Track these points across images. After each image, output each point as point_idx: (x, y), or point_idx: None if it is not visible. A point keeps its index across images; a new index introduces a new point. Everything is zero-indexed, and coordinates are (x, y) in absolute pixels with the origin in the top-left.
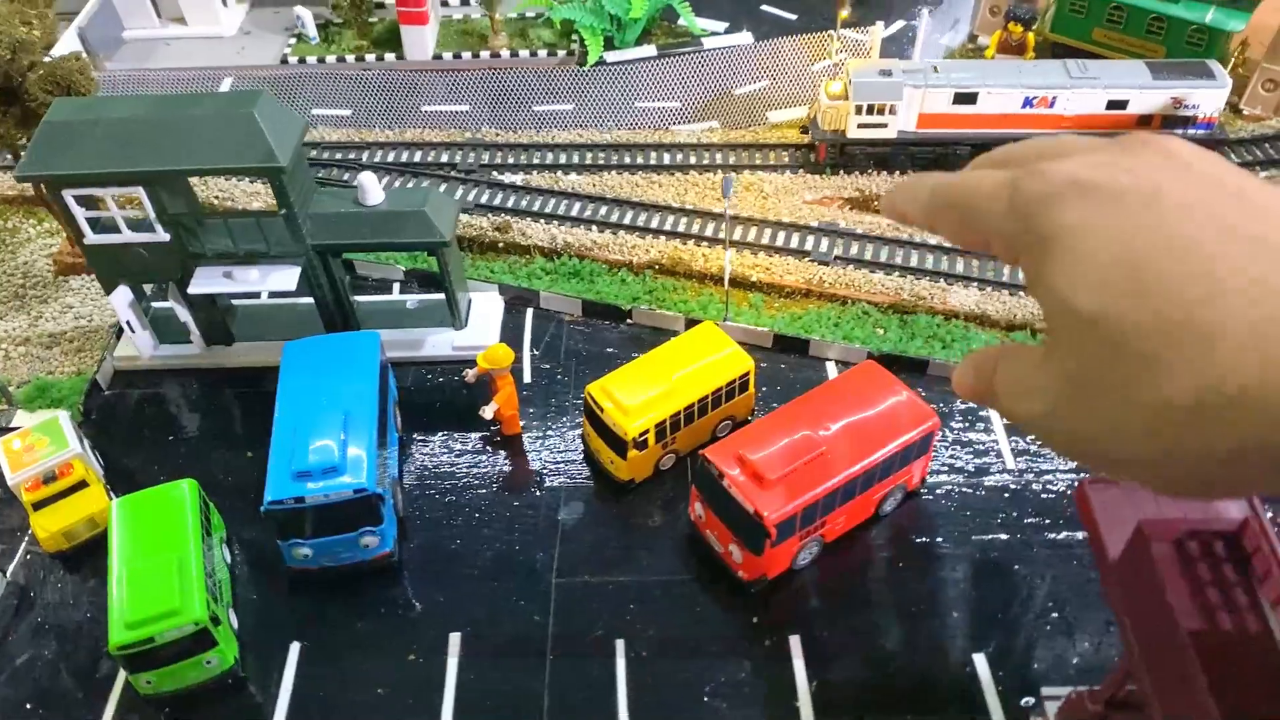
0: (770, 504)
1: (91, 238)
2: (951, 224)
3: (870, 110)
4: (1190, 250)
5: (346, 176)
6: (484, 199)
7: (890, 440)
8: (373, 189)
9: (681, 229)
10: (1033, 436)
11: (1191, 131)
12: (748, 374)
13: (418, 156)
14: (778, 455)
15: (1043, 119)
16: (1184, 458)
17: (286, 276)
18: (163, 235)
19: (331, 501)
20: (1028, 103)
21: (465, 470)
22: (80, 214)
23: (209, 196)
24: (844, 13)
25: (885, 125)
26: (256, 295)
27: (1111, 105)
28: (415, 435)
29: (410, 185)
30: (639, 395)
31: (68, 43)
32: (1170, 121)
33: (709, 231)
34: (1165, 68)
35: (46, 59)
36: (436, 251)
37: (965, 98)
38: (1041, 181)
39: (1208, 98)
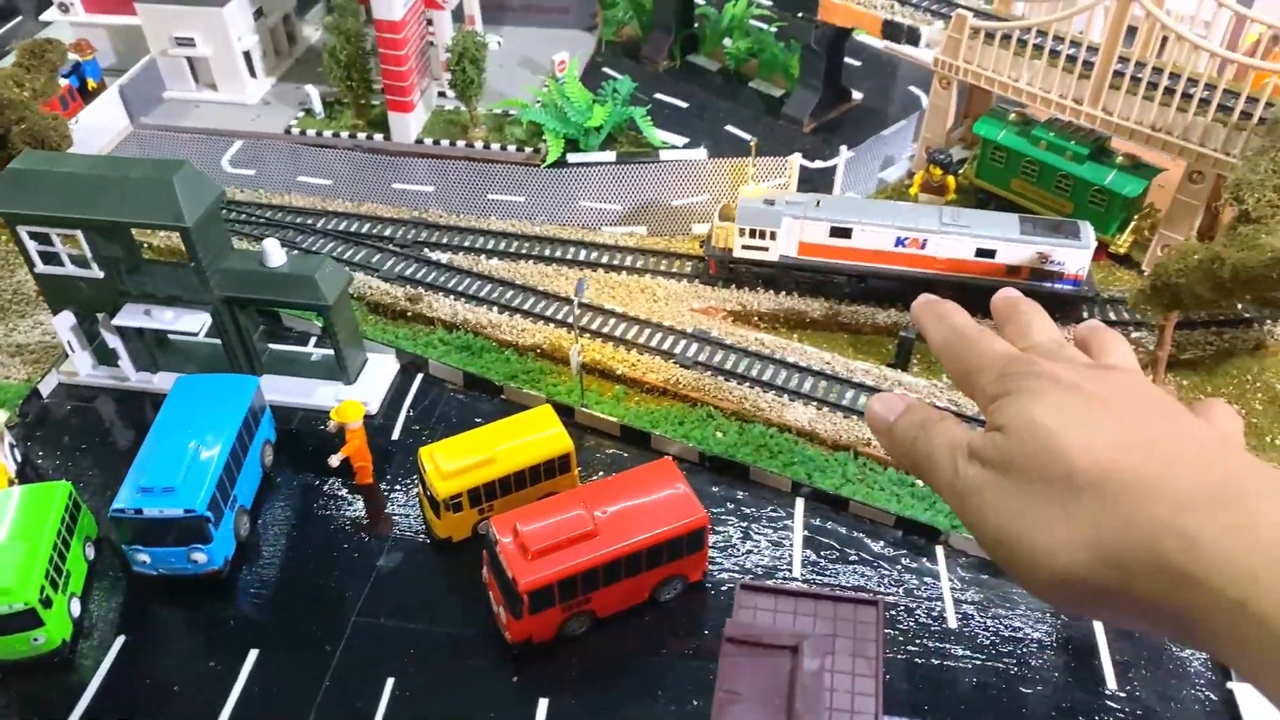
0: (529, 573)
1: (40, 268)
2: (953, 368)
3: (752, 234)
4: (1127, 435)
5: (300, 239)
6: (408, 271)
7: (656, 528)
8: (274, 253)
9: (558, 316)
10: (955, 513)
11: (1058, 286)
12: (568, 455)
13: (366, 228)
14: (546, 530)
15: (914, 258)
16: (1093, 583)
17: (194, 320)
18: (97, 273)
19: (165, 517)
20: (900, 242)
21: (315, 509)
22: (32, 247)
23: (166, 242)
24: (753, 141)
25: (766, 249)
26: (190, 332)
27: (980, 253)
28: (285, 471)
29: (322, 251)
30: (458, 461)
31: (109, 99)
32: (1038, 274)
33: (595, 325)
34: (1036, 224)
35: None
36: (323, 313)
37: (841, 232)
38: (1028, 366)
39: (1072, 256)
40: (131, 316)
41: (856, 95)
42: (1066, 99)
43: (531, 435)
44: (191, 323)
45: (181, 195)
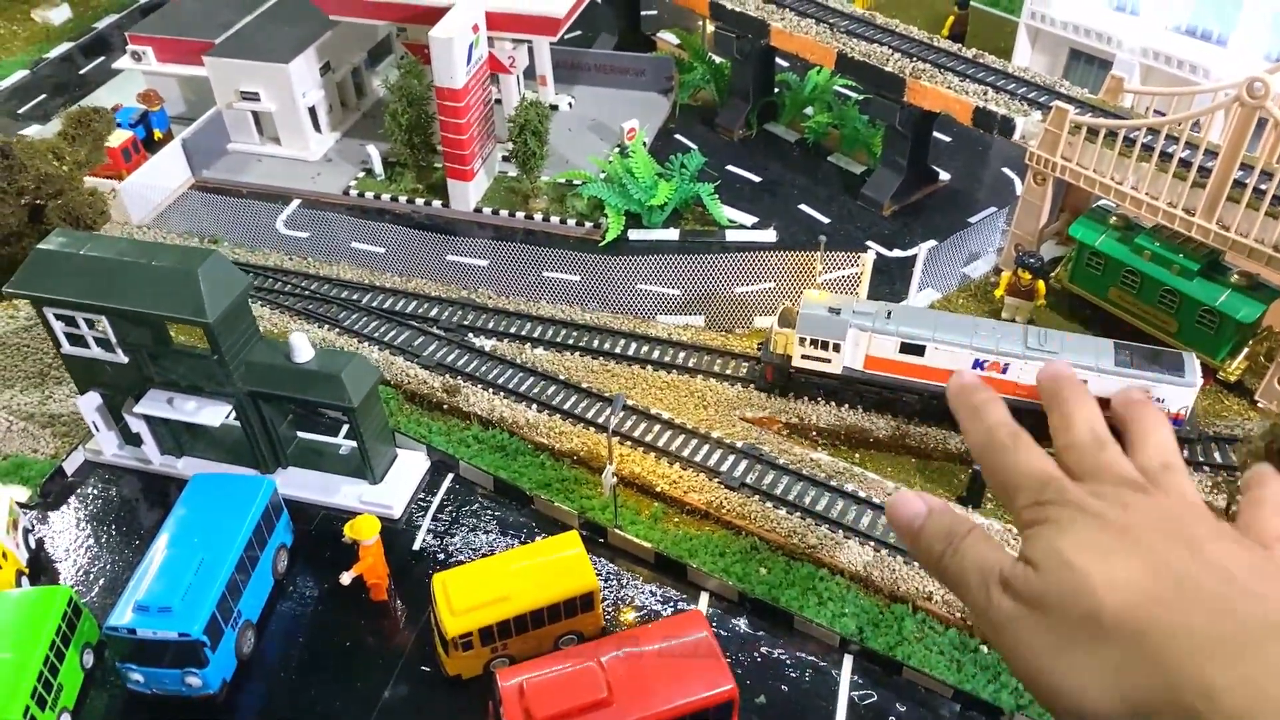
0: None
1: (66, 349)
2: (988, 477)
3: (814, 344)
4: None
5: (343, 315)
6: (449, 358)
7: (680, 699)
8: (302, 348)
9: (598, 420)
10: (986, 638)
11: None
12: (591, 593)
13: (411, 306)
14: (555, 692)
15: (994, 382)
16: None
17: (216, 412)
18: (121, 358)
19: (159, 639)
20: (979, 364)
21: (326, 624)
22: (59, 328)
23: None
24: (821, 239)
25: (829, 360)
26: (210, 425)
27: None
28: (299, 578)
29: (364, 330)
30: (471, 597)
31: (171, 152)
32: None
33: (638, 432)
34: (1134, 354)
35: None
36: (348, 414)
37: (913, 348)
38: (1060, 494)
39: (1173, 393)
40: (154, 404)
41: (944, 176)
42: (1176, 208)
43: (554, 568)
44: (213, 415)
45: (205, 288)
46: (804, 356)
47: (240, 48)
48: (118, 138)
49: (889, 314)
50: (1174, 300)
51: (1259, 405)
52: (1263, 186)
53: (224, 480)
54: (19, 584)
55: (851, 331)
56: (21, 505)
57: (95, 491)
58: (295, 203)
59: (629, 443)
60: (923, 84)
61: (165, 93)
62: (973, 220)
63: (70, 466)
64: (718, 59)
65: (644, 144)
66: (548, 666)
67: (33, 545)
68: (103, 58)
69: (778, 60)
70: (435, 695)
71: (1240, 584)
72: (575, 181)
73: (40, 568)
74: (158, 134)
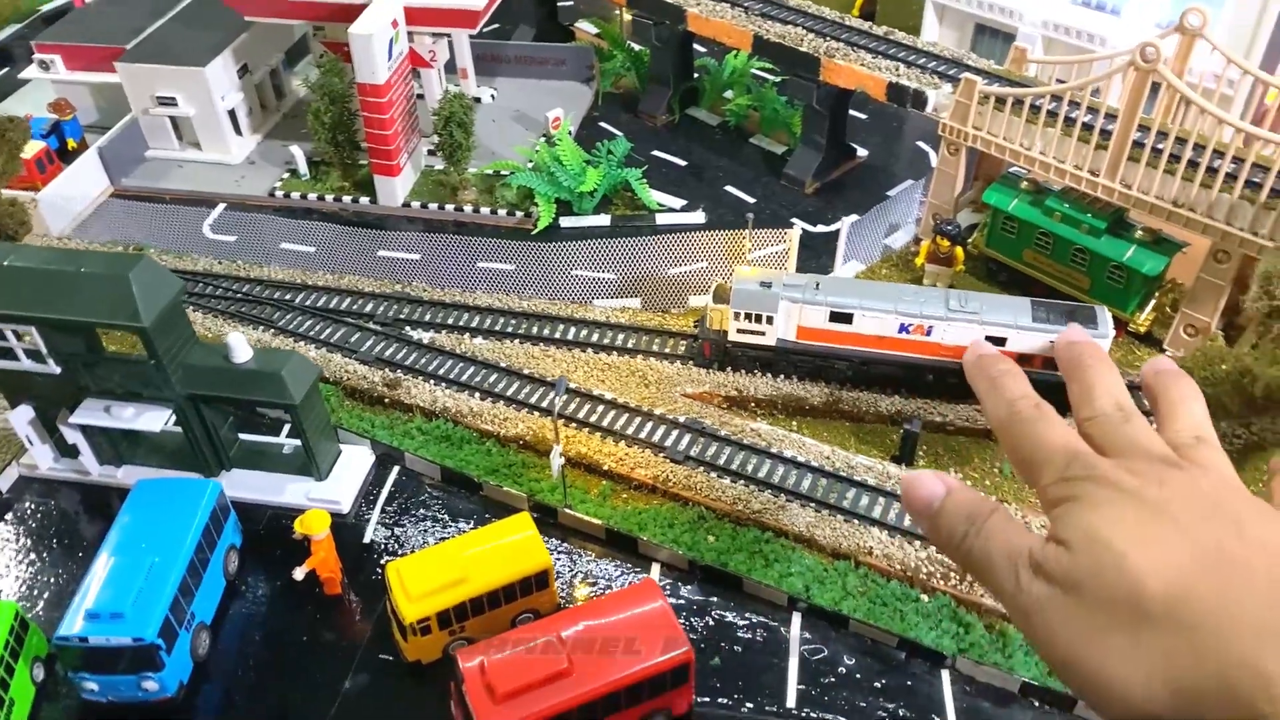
0: (497, 717)
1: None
2: (1009, 453)
3: (748, 317)
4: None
5: (276, 316)
6: (388, 353)
7: (638, 664)
8: (240, 349)
9: (542, 404)
10: (1016, 626)
11: None
12: (545, 571)
13: (346, 303)
14: (515, 667)
15: (919, 344)
16: (1168, 717)
17: (156, 418)
18: (54, 369)
19: (113, 645)
20: (904, 328)
21: (280, 622)
22: None
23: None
24: (749, 216)
25: (763, 333)
26: (151, 431)
27: (989, 341)
28: (250, 576)
29: (300, 330)
30: (427, 582)
31: (88, 161)
32: (1051, 364)
33: (582, 413)
34: (1050, 310)
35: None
36: (290, 412)
37: (841, 317)
38: (1089, 470)
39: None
40: (90, 414)
41: (861, 152)
42: (1083, 169)
43: (507, 549)
44: (152, 420)
45: (139, 293)
46: (739, 330)
47: (154, 52)
48: (31, 148)
49: (817, 285)
50: (1084, 258)
51: (1168, 353)
52: (1159, 146)
53: (169, 485)
54: None
55: (783, 304)
56: None
57: (32, 507)
58: (220, 206)
59: (574, 424)
60: (837, 62)
61: (76, 101)
62: (891, 193)
63: (4, 484)
64: (637, 47)
65: (570, 133)
66: (507, 644)
67: None
68: (6, 69)
69: (696, 46)
70: (396, 682)
71: None
72: (503, 172)
73: None
74: (72, 143)
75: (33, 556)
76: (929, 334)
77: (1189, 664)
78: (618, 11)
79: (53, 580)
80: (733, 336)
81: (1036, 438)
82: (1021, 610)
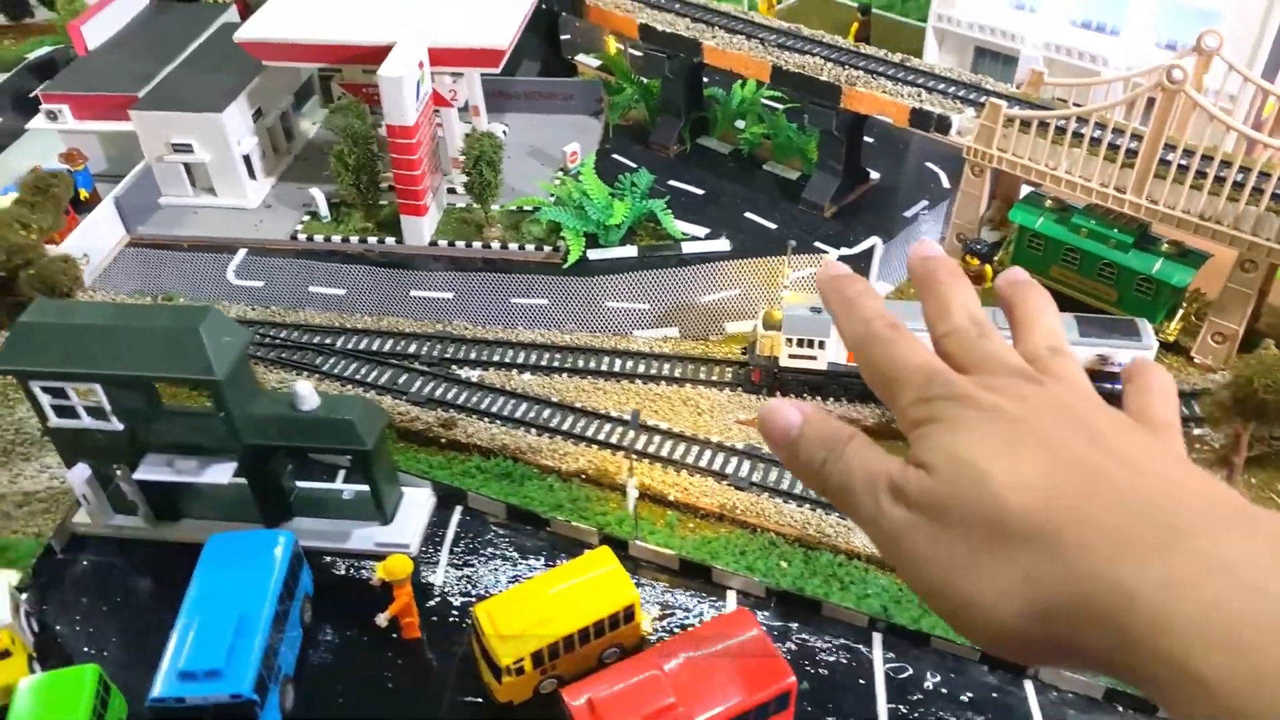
0: None
1: (54, 421)
2: (866, 373)
3: (800, 343)
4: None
5: (319, 360)
6: (438, 392)
7: (743, 695)
8: (308, 396)
9: (615, 439)
10: (879, 551)
11: (1118, 388)
12: (631, 606)
13: (389, 345)
14: (624, 704)
15: None
16: (1039, 637)
17: (222, 471)
18: (116, 425)
19: (210, 703)
20: None
21: (361, 669)
22: (45, 401)
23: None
24: (791, 244)
25: (815, 358)
26: (218, 484)
27: None
28: (325, 626)
29: (345, 373)
30: (519, 623)
31: (104, 211)
32: (1096, 376)
33: (640, 444)
34: (1093, 325)
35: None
36: (363, 459)
37: None
38: (949, 389)
39: (1132, 357)
40: (153, 469)
41: (874, 175)
42: (1109, 187)
43: (593, 585)
44: (219, 473)
45: (210, 345)
46: (791, 356)
47: (167, 99)
48: None
49: None
50: (1112, 272)
51: (1196, 360)
52: (1184, 163)
53: (243, 538)
54: (31, 670)
55: (834, 328)
56: (15, 588)
57: (90, 566)
58: (242, 252)
59: (635, 455)
60: (858, 90)
61: (85, 151)
62: (908, 214)
63: (59, 543)
64: (645, 79)
65: (591, 169)
66: (611, 681)
67: (35, 629)
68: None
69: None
70: None
71: (1151, 474)
72: (528, 208)
73: (47, 651)
74: (84, 194)
75: (95, 617)
76: None
77: (1052, 581)
78: (621, 45)
79: (117, 640)
80: (784, 362)
81: (894, 358)
82: (884, 536)
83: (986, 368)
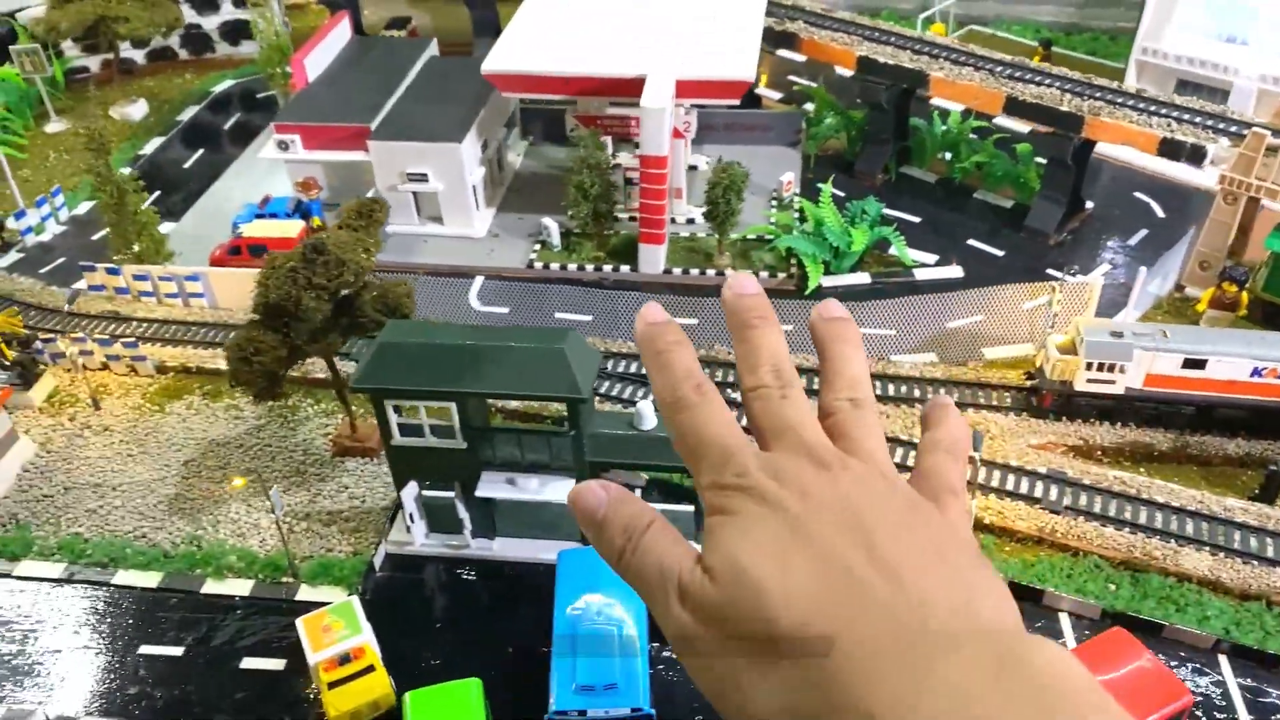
0: None
1: (398, 439)
2: (674, 437)
3: (1100, 368)
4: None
5: (598, 384)
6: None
7: (1146, 713)
8: (649, 415)
9: (910, 462)
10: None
11: None
12: None
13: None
14: None
15: (1270, 388)
16: None
17: (562, 488)
18: (460, 443)
19: (610, 718)
20: (1256, 372)
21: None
22: (394, 420)
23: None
24: (1074, 270)
25: (1113, 382)
26: (560, 502)
27: None
28: (653, 644)
29: (624, 395)
30: None
31: None
32: None
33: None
34: None
35: (373, 279)
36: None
37: (1195, 363)
38: (741, 478)
39: None
40: (493, 486)
41: (1089, 205)
42: None
43: None
44: (560, 490)
45: (574, 365)
46: (1089, 380)
47: (403, 129)
48: (295, 227)
49: (1165, 334)
50: None
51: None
52: None
53: (590, 553)
54: (392, 686)
55: (1137, 352)
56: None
57: (412, 582)
58: (479, 279)
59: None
60: (1103, 120)
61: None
62: (1131, 242)
63: (377, 561)
64: (846, 108)
65: (829, 200)
66: None
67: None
68: (201, 150)
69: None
70: None
71: (908, 587)
72: (765, 236)
73: (389, 667)
74: (316, 221)
75: (425, 633)
76: None
77: (811, 700)
78: (821, 76)
79: (453, 656)
80: (1080, 386)
81: (696, 429)
82: (672, 636)
83: (783, 439)
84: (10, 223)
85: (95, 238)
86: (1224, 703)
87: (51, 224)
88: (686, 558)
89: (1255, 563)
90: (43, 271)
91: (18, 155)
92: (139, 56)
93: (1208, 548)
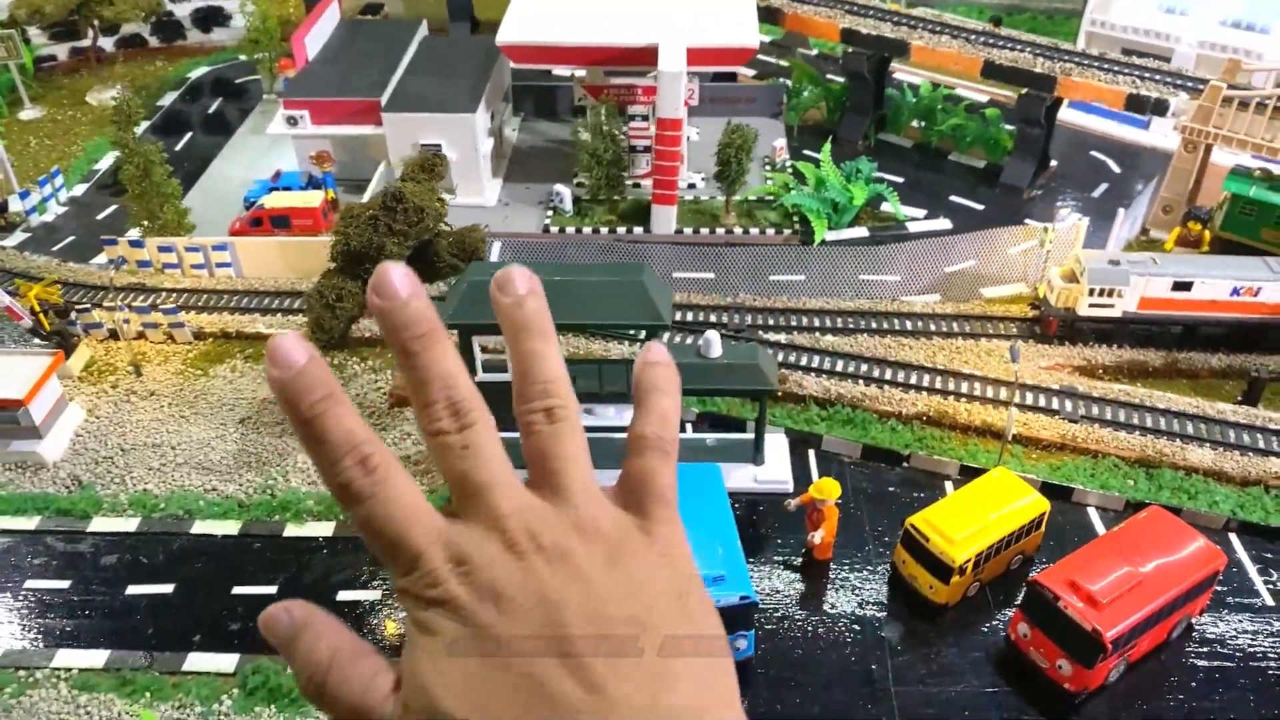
0: (1106, 623)
1: (480, 376)
2: (357, 527)
3: (1101, 293)
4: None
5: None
6: None
7: (1188, 577)
8: (715, 344)
9: (940, 385)
10: None
11: None
12: (1043, 515)
13: (689, 316)
14: (1107, 584)
15: (1247, 305)
16: None
17: None
18: None
19: (720, 605)
20: (1235, 291)
21: (785, 589)
22: (480, 357)
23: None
24: (1074, 214)
25: (1112, 306)
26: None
27: None
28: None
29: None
30: (962, 529)
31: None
32: None
33: (965, 389)
34: None
35: (445, 226)
36: (761, 397)
37: (1182, 285)
38: (432, 581)
39: None
40: None
41: (1054, 162)
42: None
43: (1012, 500)
44: None
45: (655, 296)
46: (1091, 305)
47: (414, 102)
48: (316, 197)
49: (1154, 261)
50: None
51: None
52: None
53: (683, 470)
54: None
55: (1133, 277)
56: None
57: None
58: (497, 245)
59: (964, 399)
60: (1074, 79)
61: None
62: (1094, 195)
63: None
64: (829, 79)
65: (829, 159)
66: (1081, 567)
67: None
68: (190, 134)
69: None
70: (929, 625)
71: (608, 693)
72: (766, 197)
73: None
74: (330, 194)
75: None
76: (1257, 295)
77: None
78: (799, 50)
79: None
80: (1083, 311)
81: (374, 526)
82: None
83: (475, 511)
84: (14, 203)
85: (100, 217)
86: (1237, 569)
87: (53, 204)
88: (382, 688)
89: (1251, 454)
90: (55, 249)
91: None
92: (108, 44)
93: (1209, 444)
